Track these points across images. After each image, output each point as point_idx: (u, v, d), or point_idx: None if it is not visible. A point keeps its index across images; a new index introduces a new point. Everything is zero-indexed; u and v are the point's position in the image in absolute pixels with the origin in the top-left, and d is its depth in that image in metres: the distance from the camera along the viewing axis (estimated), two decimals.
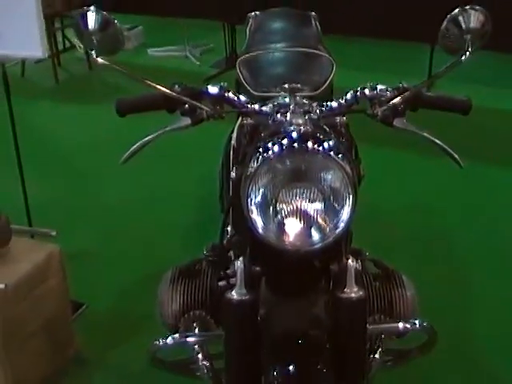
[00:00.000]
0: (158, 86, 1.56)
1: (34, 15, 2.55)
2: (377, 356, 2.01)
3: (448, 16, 1.54)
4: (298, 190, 1.39)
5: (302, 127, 1.40)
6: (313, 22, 2.69)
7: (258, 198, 1.39)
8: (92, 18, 1.57)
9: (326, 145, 1.37)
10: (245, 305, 1.53)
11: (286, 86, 1.69)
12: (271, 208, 1.40)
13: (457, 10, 1.54)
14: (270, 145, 1.39)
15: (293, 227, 1.40)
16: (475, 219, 3.69)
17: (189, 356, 1.93)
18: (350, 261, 1.52)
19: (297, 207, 1.39)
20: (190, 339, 1.84)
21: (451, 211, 3.76)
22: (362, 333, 1.57)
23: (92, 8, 1.58)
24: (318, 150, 1.36)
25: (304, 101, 1.56)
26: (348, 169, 1.38)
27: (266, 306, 1.63)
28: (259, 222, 1.41)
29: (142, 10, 6.65)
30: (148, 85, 1.56)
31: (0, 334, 2.40)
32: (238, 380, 1.56)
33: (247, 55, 2.39)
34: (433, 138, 1.56)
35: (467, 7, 1.54)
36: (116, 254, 3.39)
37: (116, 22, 1.59)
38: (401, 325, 1.89)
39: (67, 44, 6.15)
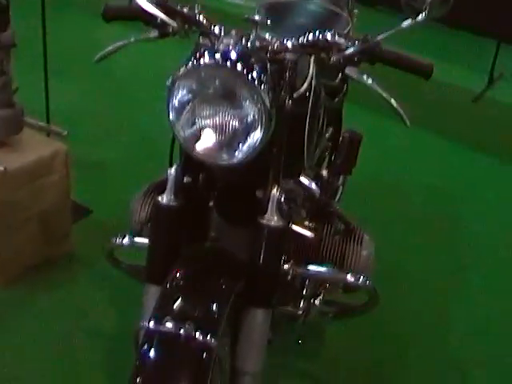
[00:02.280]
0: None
1: None
2: (316, 302, 2.08)
3: None
4: (215, 106, 1.47)
5: (230, 47, 1.46)
6: None
7: (177, 104, 1.48)
8: None
9: (248, 70, 1.43)
10: (170, 210, 1.63)
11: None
12: (188, 116, 1.49)
13: None
14: (196, 53, 1.46)
15: (205, 138, 1.49)
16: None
17: None
18: (274, 190, 1.58)
19: (212, 121, 1.48)
20: (144, 242, 1.89)
21: None
22: (275, 262, 1.64)
23: None
24: (237, 71, 1.42)
25: (267, 35, 1.60)
26: (267, 100, 1.44)
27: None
28: (177, 128, 1.50)
29: None
30: None
31: None
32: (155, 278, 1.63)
33: (267, 1, 2.45)
34: (381, 92, 1.59)
35: None
36: (134, 167, 3.51)
37: None
38: (343, 276, 1.94)
39: None
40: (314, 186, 1.92)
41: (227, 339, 1.64)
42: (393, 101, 1.59)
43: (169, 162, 1.72)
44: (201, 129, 1.49)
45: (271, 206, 1.58)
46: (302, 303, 2.09)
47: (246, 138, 1.47)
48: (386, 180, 3.76)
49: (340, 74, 2.54)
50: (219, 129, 1.48)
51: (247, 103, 1.44)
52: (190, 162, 1.62)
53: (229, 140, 1.48)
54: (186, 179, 1.65)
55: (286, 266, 1.84)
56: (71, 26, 4.94)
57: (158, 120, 1.63)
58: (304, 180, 1.91)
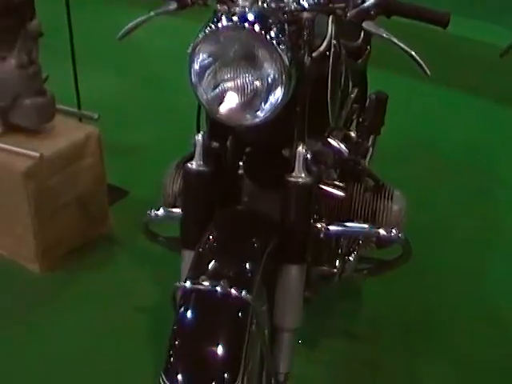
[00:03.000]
0: None
1: None
2: (351, 259, 2.11)
3: None
4: (236, 68, 1.50)
5: (247, 9, 1.48)
6: None
7: (198, 69, 1.51)
8: None
9: (266, 30, 1.45)
10: (200, 176, 1.67)
11: None
12: (210, 80, 1.52)
13: None
14: (214, 19, 1.49)
15: (228, 100, 1.51)
16: None
17: None
18: (300, 147, 1.61)
19: (234, 83, 1.50)
20: (178, 212, 1.89)
21: None
22: (305, 218, 1.66)
23: None
24: (255, 32, 1.45)
25: None
26: (286, 59, 1.46)
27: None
28: (200, 91, 1.53)
29: None
30: None
31: (32, 201, 2.63)
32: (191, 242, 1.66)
33: None
34: (400, 44, 1.59)
35: None
36: (167, 147, 3.53)
37: None
38: (376, 231, 1.95)
39: None
40: (342, 146, 1.95)
41: (264, 298, 1.68)
42: (412, 52, 1.60)
43: (196, 129, 1.75)
44: (223, 91, 1.52)
45: (298, 164, 1.61)
46: (336, 261, 2.11)
47: (268, 98, 1.49)
48: (415, 137, 3.76)
49: (362, 35, 2.54)
50: (241, 90, 1.50)
51: (267, 63, 1.47)
52: (217, 127, 1.65)
53: (251, 100, 1.50)
54: (213, 144, 1.69)
55: (317, 225, 1.85)
56: (95, 14, 5.01)
57: (189, 100, 1.66)
58: (332, 141, 1.94)
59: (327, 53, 1.75)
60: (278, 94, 1.49)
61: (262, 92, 1.50)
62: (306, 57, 1.59)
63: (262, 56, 1.47)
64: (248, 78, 1.49)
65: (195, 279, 1.41)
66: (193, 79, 1.53)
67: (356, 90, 2.63)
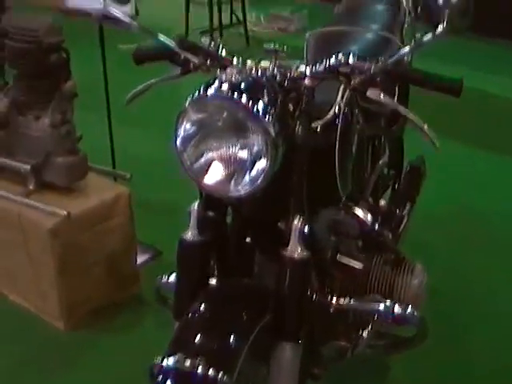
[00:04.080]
0: (161, 37, 1.69)
1: None
2: (364, 334, 1.99)
3: None
4: (222, 137, 1.45)
5: (234, 78, 1.43)
6: (402, 7, 2.64)
7: (184, 136, 1.47)
8: None
9: (253, 100, 1.40)
10: (194, 246, 1.62)
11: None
12: (194, 148, 1.48)
13: None
14: (203, 86, 1.45)
15: (213, 171, 1.47)
16: None
17: None
18: (296, 221, 1.53)
19: (219, 153, 1.46)
20: None
21: None
22: (299, 295, 1.58)
23: None
24: (241, 103, 1.40)
25: (286, 63, 1.57)
26: (271, 130, 1.40)
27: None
28: (184, 159, 1.49)
29: None
30: (152, 35, 1.68)
31: (58, 258, 2.62)
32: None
33: (317, 31, 2.43)
34: (410, 114, 1.53)
35: None
36: None
37: None
38: (390, 307, 1.85)
39: (234, 19, 6.36)
40: (366, 216, 1.87)
41: (265, 374, 1.59)
42: (424, 125, 1.52)
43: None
44: (208, 161, 1.48)
45: (294, 238, 1.53)
46: (349, 336, 2.01)
47: (252, 169, 1.44)
48: (454, 204, 3.61)
49: (396, 99, 2.47)
50: (226, 161, 1.46)
51: (252, 134, 1.42)
52: (211, 196, 1.60)
53: (236, 172, 1.46)
54: (209, 214, 1.64)
55: (328, 299, 1.79)
56: (133, 74, 5.08)
57: None
58: (357, 211, 1.86)
59: (337, 120, 1.67)
60: (262, 166, 1.43)
61: (247, 163, 1.45)
62: (302, 126, 1.52)
63: (248, 127, 1.42)
64: (233, 148, 1.45)
65: (170, 355, 1.35)
66: (178, 146, 1.49)
67: (389, 157, 2.56)
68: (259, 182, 1.44)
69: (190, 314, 1.47)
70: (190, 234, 1.62)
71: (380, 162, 2.39)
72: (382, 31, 2.39)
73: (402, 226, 2.58)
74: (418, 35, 1.49)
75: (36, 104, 2.59)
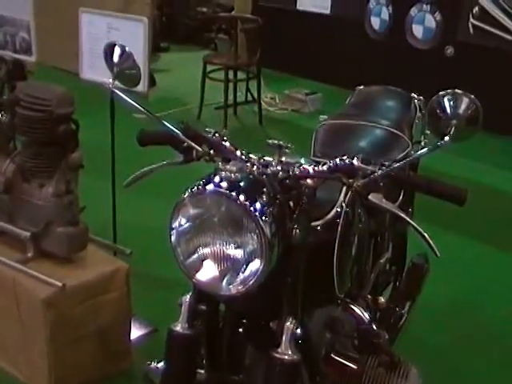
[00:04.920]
0: (166, 124, 1.65)
1: (141, 54, 2.73)
2: None
3: (437, 95, 1.46)
4: (216, 234, 1.40)
5: (232, 175, 1.39)
6: (412, 104, 2.62)
7: (179, 229, 1.43)
8: (116, 51, 1.67)
9: (249, 199, 1.36)
10: (183, 339, 1.56)
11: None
12: (188, 243, 1.43)
13: (448, 92, 1.45)
14: (202, 180, 1.41)
15: (206, 268, 1.42)
16: None
17: None
18: (288, 323, 1.47)
19: (212, 250, 1.41)
20: None
21: None
22: None
23: (117, 42, 1.68)
24: (239, 201, 1.35)
25: (289, 160, 1.53)
26: (267, 230, 1.35)
27: None
28: (178, 253, 1.44)
29: (325, 79, 6.89)
30: (157, 121, 1.65)
31: (49, 329, 2.53)
32: None
33: (327, 122, 2.41)
34: (411, 222, 1.47)
35: (459, 91, 1.44)
36: None
37: (135, 57, 1.68)
38: None
39: (249, 97, 6.39)
40: (364, 314, 1.82)
41: None
42: (425, 234, 1.48)
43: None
44: (201, 258, 1.43)
45: (285, 339, 1.47)
46: None
47: (246, 269, 1.39)
48: (457, 302, 3.49)
49: (401, 197, 2.41)
50: (220, 259, 1.41)
51: (247, 233, 1.37)
52: (204, 291, 1.53)
53: (229, 270, 1.40)
54: (200, 307, 1.58)
55: None
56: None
57: None
58: (354, 308, 1.81)
59: (337, 220, 1.61)
60: (256, 266, 1.38)
61: (240, 262, 1.39)
62: (301, 227, 1.47)
63: (242, 225, 1.38)
64: (227, 246, 1.40)
65: None
66: (172, 239, 1.44)
67: (392, 253, 2.49)
68: (252, 282, 1.38)
69: None
70: (179, 327, 1.57)
71: (382, 259, 2.32)
72: (391, 127, 2.36)
73: (400, 325, 2.49)
74: (427, 132, 1.46)
75: (41, 172, 2.55)
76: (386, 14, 6.68)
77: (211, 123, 5.99)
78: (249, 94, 6.40)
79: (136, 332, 3.00)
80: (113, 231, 3.14)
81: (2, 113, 2.64)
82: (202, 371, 1.64)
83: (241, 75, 6.17)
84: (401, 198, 2.39)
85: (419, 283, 2.66)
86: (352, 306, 1.80)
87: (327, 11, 7.12)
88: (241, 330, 1.63)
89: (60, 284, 2.50)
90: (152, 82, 6.35)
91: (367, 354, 1.91)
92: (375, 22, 6.77)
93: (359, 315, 1.80)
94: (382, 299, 2.29)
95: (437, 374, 2.78)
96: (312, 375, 1.69)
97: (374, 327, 1.88)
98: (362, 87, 2.81)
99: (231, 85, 6.01)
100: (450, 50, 6.11)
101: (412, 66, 6.32)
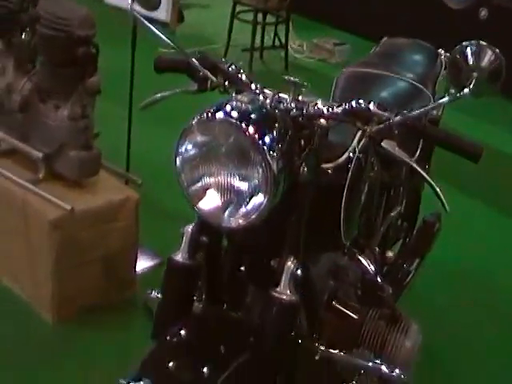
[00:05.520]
0: (184, 51, 1.59)
1: None
2: None
3: (460, 45, 1.38)
4: (222, 164, 1.34)
5: (244, 105, 1.32)
6: (439, 60, 2.52)
7: (184, 155, 1.36)
8: None
9: (259, 131, 1.29)
10: (182, 269, 1.52)
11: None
12: (193, 170, 1.37)
13: (472, 42, 1.37)
14: (213, 107, 1.34)
15: (210, 198, 1.36)
16: None
17: None
18: (289, 262, 1.41)
19: (217, 180, 1.35)
20: None
21: None
22: (281, 337, 1.45)
23: None
24: (248, 133, 1.28)
25: (305, 99, 1.45)
26: (274, 165, 1.29)
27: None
28: (182, 180, 1.38)
29: (354, 30, 6.72)
30: (175, 47, 1.57)
31: (55, 251, 2.51)
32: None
33: (349, 69, 2.35)
34: (422, 173, 1.42)
35: (483, 43, 1.36)
36: None
37: None
38: (377, 366, 1.72)
39: (277, 42, 6.23)
40: (370, 266, 1.77)
41: None
42: (437, 188, 1.41)
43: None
44: (205, 186, 1.37)
45: (284, 279, 1.42)
46: None
47: (249, 202, 1.33)
48: (468, 268, 3.42)
49: (418, 152, 2.32)
50: (224, 189, 1.35)
51: (254, 166, 1.31)
52: (207, 222, 1.47)
53: (232, 202, 1.35)
54: (202, 239, 1.53)
55: (315, 345, 1.66)
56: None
57: None
58: (361, 258, 1.76)
59: (349, 166, 1.53)
60: (259, 201, 1.32)
61: (244, 194, 1.33)
62: (309, 166, 1.41)
63: (249, 157, 1.31)
64: (233, 177, 1.34)
65: (135, 379, 1.26)
66: (178, 165, 1.37)
67: (405, 208, 2.41)
68: (254, 216, 1.33)
69: (167, 337, 1.38)
70: (179, 256, 1.52)
71: (393, 213, 2.25)
72: (414, 81, 2.27)
73: (407, 281, 2.43)
74: (452, 90, 1.39)
75: (57, 93, 2.48)
76: None
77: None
78: (276, 39, 6.23)
79: (142, 263, 2.96)
80: (126, 160, 3.08)
81: (25, 30, 2.55)
82: (200, 305, 1.59)
83: (270, 19, 6.00)
84: (418, 152, 2.30)
85: (429, 241, 2.59)
86: (358, 256, 1.76)
87: None
88: (242, 267, 1.57)
89: (69, 207, 2.46)
90: (180, 18, 6.20)
91: (369, 305, 1.86)
92: None
93: (365, 266, 1.76)
94: (390, 253, 2.23)
95: (439, 333, 2.74)
96: (310, 320, 1.65)
97: (379, 280, 1.83)
98: (387, 38, 2.70)
99: (259, 28, 5.85)
100: (483, 13, 5.91)
101: (443, 25, 6.14)
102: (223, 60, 1.59)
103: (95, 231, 2.59)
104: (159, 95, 1.63)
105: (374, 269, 1.76)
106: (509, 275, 3.40)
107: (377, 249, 2.07)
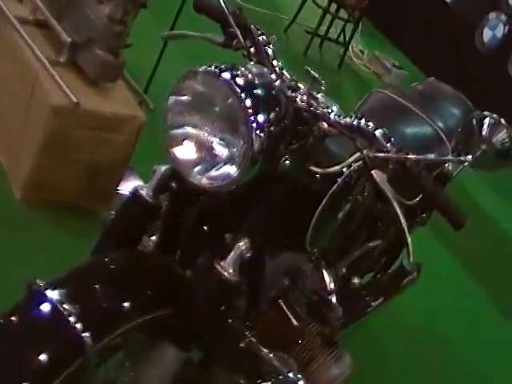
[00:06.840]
0: (222, 3, 1.49)
1: None
2: None
3: (479, 112, 1.27)
4: (207, 122, 1.29)
5: (250, 76, 1.26)
6: (458, 103, 2.39)
7: (176, 97, 1.31)
8: None
9: (255, 109, 1.23)
10: (143, 203, 1.44)
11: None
12: (179, 115, 1.32)
13: (492, 115, 1.26)
14: (223, 64, 1.28)
15: (184, 147, 1.32)
16: None
17: None
18: (241, 243, 1.35)
19: (197, 132, 1.30)
20: None
21: None
22: (210, 308, 1.37)
23: None
24: (243, 104, 1.23)
25: (319, 97, 1.37)
26: (256, 145, 1.23)
27: None
28: (167, 118, 1.33)
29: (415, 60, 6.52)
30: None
31: (47, 135, 2.37)
32: None
33: (383, 91, 2.24)
34: (398, 211, 1.31)
35: (503, 121, 1.25)
36: None
37: None
38: (296, 379, 1.62)
39: (341, 38, 6.03)
40: (331, 283, 1.71)
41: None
42: (406, 228, 1.32)
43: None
44: (184, 136, 1.31)
45: (232, 257, 1.34)
46: (250, 379, 1.74)
47: (220, 168, 1.27)
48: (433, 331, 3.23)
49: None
50: (202, 145, 1.30)
51: (237, 136, 1.25)
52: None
53: (205, 161, 1.29)
54: (171, 183, 1.44)
55: (246, 333, 1.57)
56: None
57: None
58: (325, 272, 1.71)
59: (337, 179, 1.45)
60: (230, 171, 1.26)
61: (217, 159, 1.28)
62: (293, 161, 1.34)
63: (237, 128, 1.25)
64: (214, 137, 1.28)
65: (58, 289, 1.19)
66: (169, 103, 1.32)
67: (388, 245, 2.27)
68: (219, 184, 1.27)
69: (103, 259, 1.33)
70: (144, 191, 1.43)
71: (373, 243, 2.13)
72: (440, 130, 2.13)
73: (362, 314, 2.28)
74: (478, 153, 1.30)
75: None
76: (500, 31, 6.29)
77: (293, 42, 5.69)
78: (341, 36, 6.04)
79: (125, 184, 2.81)
80: (147, 81, 2.92)
81: None
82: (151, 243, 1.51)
83: (342, 14, 5.80)
84: (418, 198, 2.14)
85: (399, 287, 2.44)
86: (323, 269, 1.70)
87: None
88: (203, 227, 1.46)
89: (75, 100, 2.33)
90: None
91: (313, 319, 1.78)
92: (487, 34, 6.38)
93: (325, 280, 1.70)
94: (356, 280, 2.11)
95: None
96: (249, 307, 1.56)
97: (333, 300, 1.74)
98: (434, 79, 2.56)
99: (329, 17, 5.66)
100: None
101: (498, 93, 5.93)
102: (257, 27, 1.51)
103: (92, 135, 2.45)
104: (185, 32, 1.57)
105: (332, 287, 1.70)
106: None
107: (344, 270, 1.97)
